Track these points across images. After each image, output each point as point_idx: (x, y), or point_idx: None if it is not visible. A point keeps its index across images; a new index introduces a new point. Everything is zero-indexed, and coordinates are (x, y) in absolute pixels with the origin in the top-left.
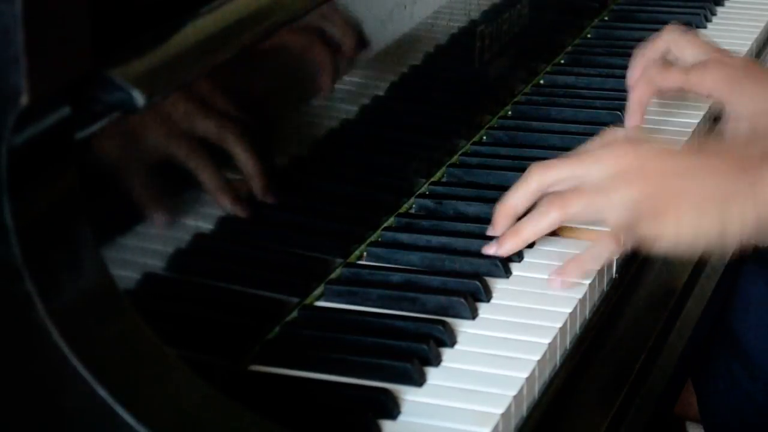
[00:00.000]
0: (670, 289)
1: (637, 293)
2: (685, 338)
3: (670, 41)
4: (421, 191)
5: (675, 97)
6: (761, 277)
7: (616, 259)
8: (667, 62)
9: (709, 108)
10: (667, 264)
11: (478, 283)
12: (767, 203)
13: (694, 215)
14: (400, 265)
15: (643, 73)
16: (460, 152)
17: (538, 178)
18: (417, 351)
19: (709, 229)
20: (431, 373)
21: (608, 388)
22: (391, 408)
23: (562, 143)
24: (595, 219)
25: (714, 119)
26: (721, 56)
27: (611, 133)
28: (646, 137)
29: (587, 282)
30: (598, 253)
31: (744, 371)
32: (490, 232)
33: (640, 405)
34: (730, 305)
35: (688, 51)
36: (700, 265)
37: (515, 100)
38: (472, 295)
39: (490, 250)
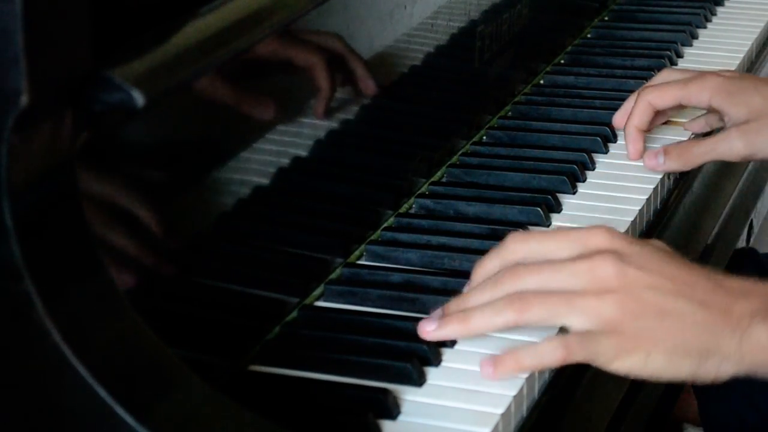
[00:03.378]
0: None
1: None
2: None
3: (666, 75)
4: (421, 191)
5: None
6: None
7: None
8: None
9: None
10: None
11: None
12: (751, 363)
13: (663, 361)
14: (400, 265)
15: (638, 97)
16: (460, 152)
17: (509, 283)
18: (417, 351)
19: (677, 374)
20: (431, 373)
21: (608, 388)
22: (391, 408)
23: (562, 143)
24: (553, 323)
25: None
26: (716, 73)
27: (599, 236)
28: (634, 249)
29: None
30: (541, 355)
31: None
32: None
33: (640, 407)
34: None
35: (679, 75)
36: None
37: (515, 100)
38: None
39: (429, 325)
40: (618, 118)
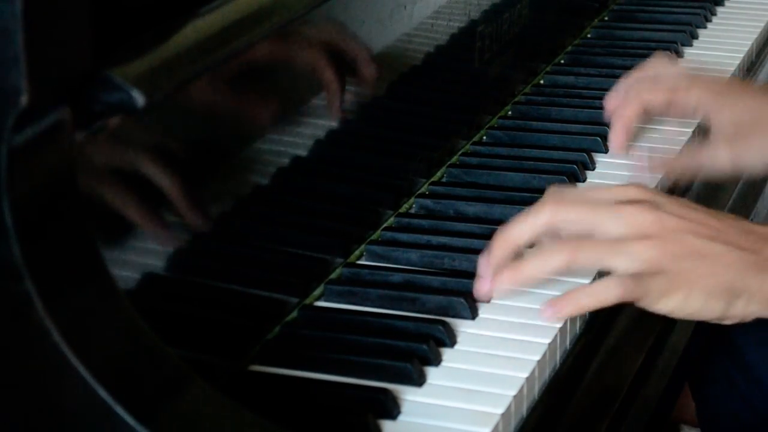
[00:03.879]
0: None
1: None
2: (683, 342)
3: (658, 64)
4: (421, 191)
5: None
6: None
7: None
8: (653, 80)
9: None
10: None
11: None
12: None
13: (702, 300)
14: (400, 264)
15: (628, 90)
16: (460, 152)
17: (551, 212)
18: (417, 351)
19: (711, 313)
20: (431, 373)
21: (608, 389)
22: (391, 408)
23: (562, 143)
24: (600, 266)
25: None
26: (705, 75)
27: (634, 189)
28: (667, 200)
29: (587, 282)
30: (598, 293)
31: (741, 375)
32: (483, 261)
33: (640, 407)
34: None
35: (673, 72)
36: None
37: (515, 100)
38: (472, 294)
39: (483, 287)
40: (610, 104)
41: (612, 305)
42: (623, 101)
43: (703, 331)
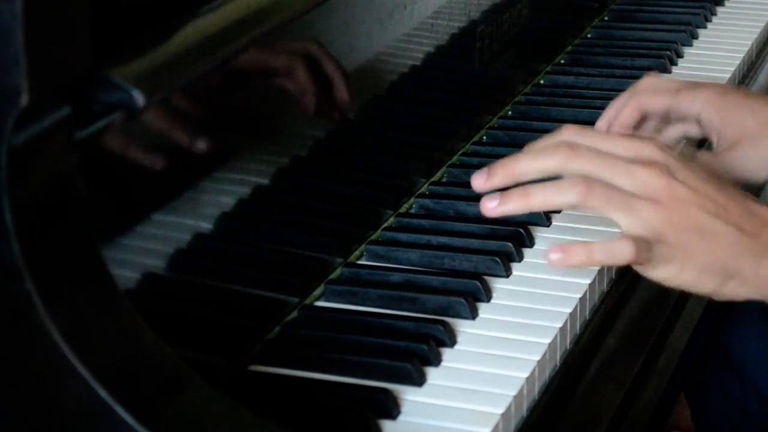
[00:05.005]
0: (666, 298)
1: (634, 297)
2: (679, 350)
3: (650, 80)
4: (421, 191)
5: None
6: None
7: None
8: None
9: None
10: None
11: (478, 283)
12: (759, 290)
13: (695, 274)
14: (400, 264)
15: (631, 96)
16: (460, 152)
17: (564, 159)
18: (417, 351)
19: (703, 288)
20: (431, 373)
21: (608, 389)
22: (391, 408)
23: None
24: (605, 215)
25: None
26: (708, 83)
27: (650, 147)
28: (680, 165)
29: (587, 282)
30: (612, 251)
31: (737, 383)
32: (480, 179)
33: (640, 406)
34: (724, 317)
35: (671, 81)
36: None
37: (515, 100)
38: (472, 295)
39: (491, 201)
40: (602, 124)
41: (620, 266)
42: (624, 107)
43: (699, 338)
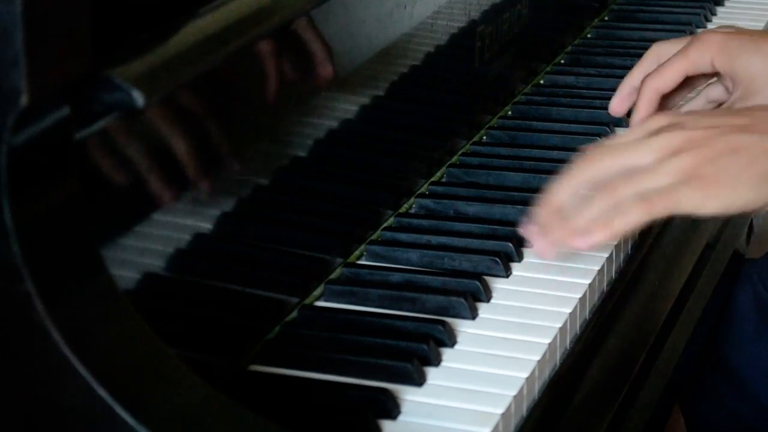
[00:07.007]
0: (666, 297)
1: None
2: (674, 358)
3: (657, 48)
4: (421, 191)
5: None
6: (750, 294)
7: (615, 263)
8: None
9: None
10: (662, 272)
11: (478, 282)
12: None
13: (750, 189)
14: (400, 264)
15: (642, 87)
16: (460, 152)
17: (585, 168)
18: (417, 351)
19: (765, 199)
20: (431, 373)
21: (607, 389)
22: (391, 408)
23: (562, 143)
24: (644, 193)
25: None
26: (711, 29)
27: (656, 119)
28: (691, 117)
29: (587, 282)
30: (626, 212)
31: (732, 390)
32: (529, 228)
33: (641, 405)
34: (719, 324)
35: (673, 48)
36: (689, 283)
37: (515, 100)
38: (472, 294)
39: (583, 242)
40: (615, 104)
41: (642, 227)
42: (638, 103)
43: (694, 346)
